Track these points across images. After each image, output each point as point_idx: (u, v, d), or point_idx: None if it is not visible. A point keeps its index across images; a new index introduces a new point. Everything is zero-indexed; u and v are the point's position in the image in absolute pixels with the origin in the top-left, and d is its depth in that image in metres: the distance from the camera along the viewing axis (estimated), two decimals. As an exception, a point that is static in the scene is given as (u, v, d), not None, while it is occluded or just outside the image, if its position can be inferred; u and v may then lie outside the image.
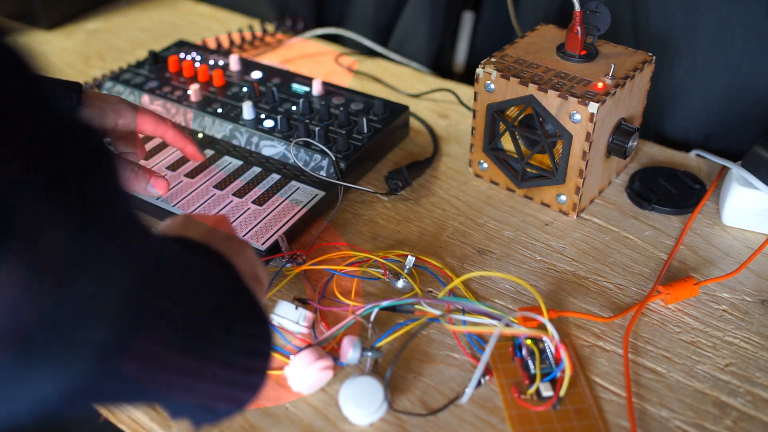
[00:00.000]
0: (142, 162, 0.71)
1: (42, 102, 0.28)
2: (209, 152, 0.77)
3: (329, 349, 0.56)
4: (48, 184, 0.28)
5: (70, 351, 0.29)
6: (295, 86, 0.85)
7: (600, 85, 0.64)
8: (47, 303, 0.28)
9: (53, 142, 0.29)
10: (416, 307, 0.59)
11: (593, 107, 0.62)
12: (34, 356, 0.28)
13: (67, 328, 0.29)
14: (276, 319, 0.57)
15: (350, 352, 0.53)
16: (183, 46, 0.95)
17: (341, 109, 0.79)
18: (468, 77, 1.04)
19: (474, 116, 0.72)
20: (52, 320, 0.28)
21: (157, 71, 0.89)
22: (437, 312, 0.58)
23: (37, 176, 0.28)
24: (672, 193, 0.72)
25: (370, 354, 0.54)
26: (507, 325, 0.53)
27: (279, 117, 0.77)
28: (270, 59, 1.01)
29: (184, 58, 0.92)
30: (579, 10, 0.66)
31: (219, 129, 0.80)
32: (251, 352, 0.42)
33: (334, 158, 0.72)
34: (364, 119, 0.76)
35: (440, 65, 1.03)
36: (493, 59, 0.70)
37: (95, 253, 0.30)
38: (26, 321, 0.27)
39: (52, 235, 0.28)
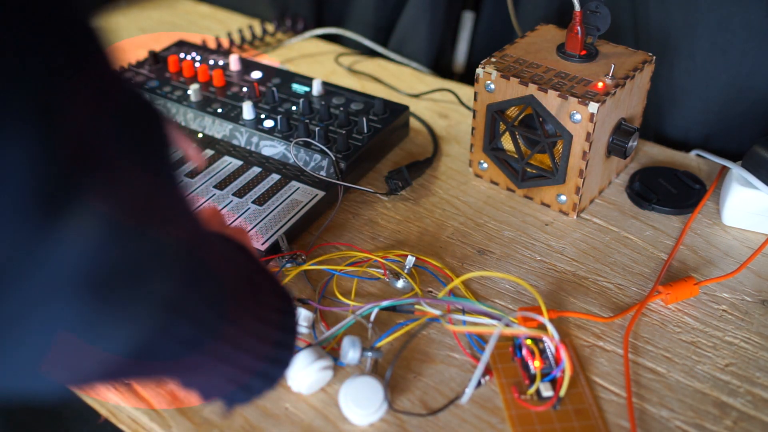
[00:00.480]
0: None
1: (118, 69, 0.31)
2: (209, 152, 0.77)
3: (329, 349, 0.56)
4: (129, 127, 0.30)
5: (137, 301, 0.30)
6: (295, 86, 0.85)
7: (600, 85, 0.64)
8: (123, 248, 0.29)
9: (129, 92, 0.31)
10: (416, 307, 0.59)
11: (593, 107, 0.62)
12: (106, 304, 0.28)
13: (137, 276, 0.30)
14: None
15: (350, 352, 0.53)
16: (183, 46, 0.95)
17: (341, 109, 0.79)
18: (468, 77, 1.04)
19: (474, 116, 0.72)
20: (125, 266, 0.29)
21: (157, 71, 0.89)
22: (437, 312, 0.58)
23: (121, 118, 0.30)
24: (672, 193, 0.72)
25: (370, 354, 0.54)
26: (507, 325, 0.53)
27: (279, 117, 0.77)
28: (270, 59, 1.01)
29: (184, 58, 0.92)
30: (579, 10, 0.66)
31: (219, 129, 0.80)
32: (280, 325, 0.43)
33: (334, 158, 0.72)
34: (364, 119, 0.76)
35: (440, 65, 1.03)
36: (493, 59, 0.70)
37: (163, 203, 0.32)
38: (102, 265, 0.28)
39: (133, 180, 0.29)
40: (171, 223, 0.32)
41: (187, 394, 0.43)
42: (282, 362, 0.44)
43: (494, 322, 0.56)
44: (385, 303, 0.58)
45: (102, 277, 0.28)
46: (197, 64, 0.90)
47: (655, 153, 0.79)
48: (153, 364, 0.35)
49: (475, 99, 0.71)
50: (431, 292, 0.62)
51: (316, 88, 0.83)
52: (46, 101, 0.26)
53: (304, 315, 0.57)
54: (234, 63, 0.89)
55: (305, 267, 0.64)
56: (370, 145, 0.76)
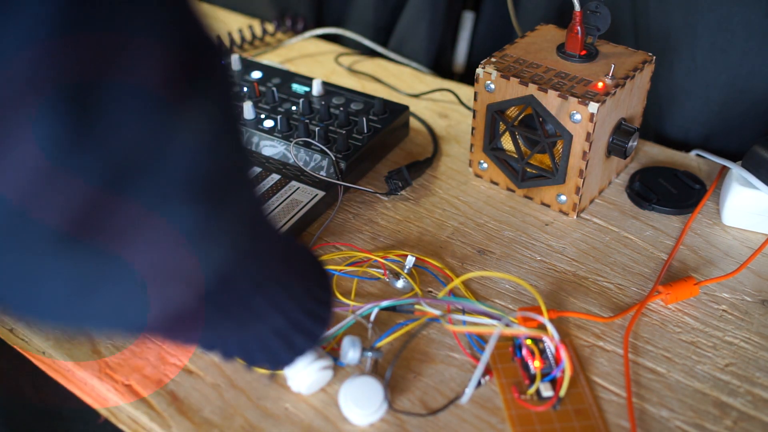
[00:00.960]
0: None
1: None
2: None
3: (329, 349, 0.56)
4: (223, 63, 0.31)
5: (234, 209, 0.31)
6: (295, 86, 0.85)
7: (600, 85, 0.64)
8: (227, 152, 0.30)
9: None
10: (416, 307, 0.59)
11: (593, 107, 0.62)
12: (212, 208, 0.29)
13: (235, 183, 0.31)
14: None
15: (350, 352, 0.53)
16: (183, 46, 0.95)
17: (341, 109, 0.79)
18: (468, 77, 1.04)
19: (474, 116, 0.72)
20: (227, 172, 0.30)
21: (157, 71, 0.89)
22: (437, 312, 0.58)
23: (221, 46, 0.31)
24: (672, 193, 0.72)
25: (370, 354, 0.54)
26: (507, 325, 0.53)
27: (279, 117, 0.77)
28: (270, 59, 1.01)
29: (184, 58, 0.92)
30: (579, 10, 0.66)
31: (219, 129, 0.79)
32: (320, 283, 0.45)
33: (334, 158, 0.72)
34: (364, 119, 0.76)
35: (440, 65, 1.03)
36: (493, 59, 0.69)
37: (243, 138, 0.34)
38: (212, 166, 0.28)
39: (229, 97, 0.31)
40: (248, 150, 0.34)
41: (231, 361, 0.44)
42: (323, 320, 0.45)
43: (494, 322, 0.56)
44: (385, 303, 0.58)
45: (210, 179, 0.28)
46: (197, 64, 0.90)
47: (655, 153, 0.79)
48: (220, 310, 0.36)
49: (475, 99, 0.71)
50: (431, 292, 0.62)
51: (316, 88, 0.83)
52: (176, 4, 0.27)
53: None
54: (234, 63, 0.88)
55: (305, 267, 0.64)
56: (370, 145, 0.76)
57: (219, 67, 0.30)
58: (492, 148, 0.73)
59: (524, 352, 0.54)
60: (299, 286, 0.42)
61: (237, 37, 1.06)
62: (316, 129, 0.74)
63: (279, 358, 0.45)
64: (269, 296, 0.40)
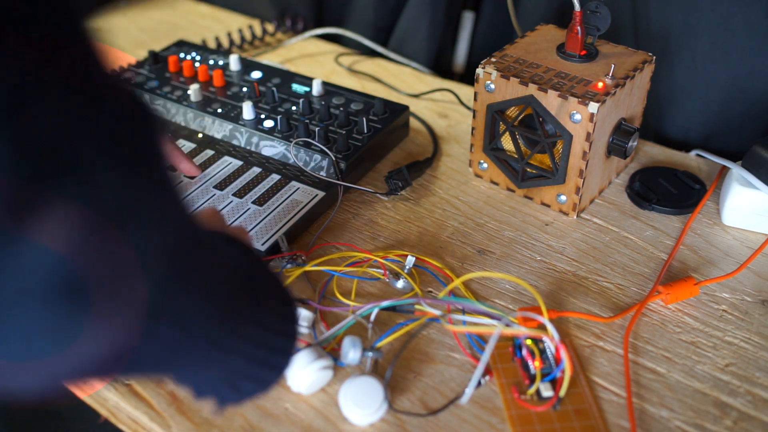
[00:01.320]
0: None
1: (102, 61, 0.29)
2: (209, 152, 0.77)
3: (329, 349, 0.56)
4: (107, 129, 0.28)
5: (116, 304, 0.29)
6: (295, 86, 0.85)
7: (600, 85, 0.64)
8: (98, 253, 0.27)
9: (113, 93, 0.29)
10: (416, 307, 0.59)
11: (593, 107, 0.62)
12: (81, 308, 0.27)
13: (115, 279, 0.28)
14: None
15: (350, 352, 0.53)
16: (183, 46, 0.95)
17: (341, 109, 0.79)
18: (468, 77, 1.04)
19: (474, 116, 0.72)
20: (100, 272, 0.27)
21: (157, 71, 0.89)
22: (437, 312, 0.58)
23: (99, 119, 0.28)
24: (672, 193, 0.72)
25: (370, 354, 0.54)
26: (507, 325, 0.53)
27: (279, 117, 0.77)
28: (270, 59, 1.01)
29: (184, 58, 0.92)
30: (579, 10, 0.66)
31: (219, 129, 0.80)
32: (278, 330, 0.42)
33: (334, 158, 0.72)
34: (364, 119, 0.76)
35: (440, 65, 1.03)
36: (493, 59, 0.69)
37: (145, 206, 0.30)
38: (75, 271, 0.26)
39: (106, 179, 0.28)
40: (155, 227, 0.31)
41: (180, 388, 0.42)
42: (278, 368, 0.43)
43: (494, 322, 0.56)
44: (385, 303, 0.58)
45: (75, 283, 0.26)
46: (197, 64, 0.90)
47: (655, 153, 0.79)
48: (139, 364, 0.34)
49: (475, 99, 0.71)
50: (431, 292, 0.62)
51: (316, 88, 0.83)
52: (16, 100, 0.24)
53: (304, 315, 0.57)
54: (234, 63, 0.89)
55: (306, 269, 0.64)
56: (370, 145, 0.76)
57: (98, 155, 0.27)
58: (492, 148, 0.73)
59: (524, 352, 0.54)
60: (246, 339, 0.40)
61: (237, 37, 1.06)
62: (316, 129, 0.74)
63: (227, 398, 0.42)
64: (199, 355, 0.37)
